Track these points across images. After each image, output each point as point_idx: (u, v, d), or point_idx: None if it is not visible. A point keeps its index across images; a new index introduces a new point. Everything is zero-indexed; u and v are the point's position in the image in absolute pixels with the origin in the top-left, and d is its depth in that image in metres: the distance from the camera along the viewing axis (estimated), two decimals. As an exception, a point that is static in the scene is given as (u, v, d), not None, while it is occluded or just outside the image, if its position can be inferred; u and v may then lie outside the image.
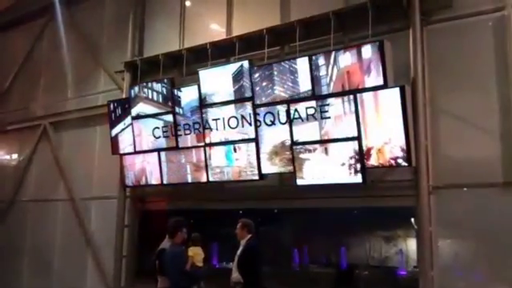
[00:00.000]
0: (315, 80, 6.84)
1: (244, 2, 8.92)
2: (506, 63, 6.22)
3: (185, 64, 8.71)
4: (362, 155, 6.51)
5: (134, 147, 9.05)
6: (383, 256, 8.86)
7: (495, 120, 6.27)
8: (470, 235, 6.34)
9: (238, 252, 6.73)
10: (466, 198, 6.43)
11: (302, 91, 6.97)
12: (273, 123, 7.31)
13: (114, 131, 9.35)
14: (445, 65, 6.71)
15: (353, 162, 6.56)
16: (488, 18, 6.45)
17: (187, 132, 8.30)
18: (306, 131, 6.97)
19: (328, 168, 6.78)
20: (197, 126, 8.16)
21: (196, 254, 7.59)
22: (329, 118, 6.76)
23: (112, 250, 9.59)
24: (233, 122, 7.73)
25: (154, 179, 8.81)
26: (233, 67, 7.72)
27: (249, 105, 7.52)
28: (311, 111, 6.89)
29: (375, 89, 6.39)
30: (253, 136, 7.51)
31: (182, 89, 8.37)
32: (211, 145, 8.02)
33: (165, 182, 8.70)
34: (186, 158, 8.34)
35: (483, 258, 6.20)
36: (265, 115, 7.38)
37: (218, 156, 7.93)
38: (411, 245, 8.26)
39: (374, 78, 6.37)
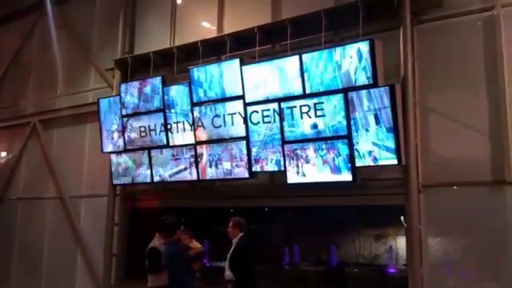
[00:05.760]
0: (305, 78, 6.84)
1: (235, -1, 8.91)
2: (495, 62, 6.26)
3: (176, 62, 8.68)
4: (352, 154, 6.52)
5: (124, 145, 9.01)
6: (373, 254, 8.89)
7: (485, 119, 6.31)
8: (459, 233, 6.38)
9: (230, 250, 6.74)
10: (456, 197, 6.45)
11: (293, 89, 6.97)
12: (263, 121, 7.31)
13: (104, 129, 9.30)
14: (435, 64, 6.74)
15: (343, 160, 6.57)
16: (478, 17, 6.49)
17: (178, 130, 8.26)
18: (295, 129, 6.97)
19: (319, 166, 6.80)
20: (187, 125, 8.14)
21: (196, 247, 7.58)
22: (319, 116, 6.76)
23: (102, 248, 9.55)
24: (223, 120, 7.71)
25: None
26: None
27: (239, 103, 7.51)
28: (302, 109, 6.88)
29: (365, 87, 6.40)
30: (243, 134, 7.50)
31: (173, 87, 8.32)
32: (202, 143, 7.99)
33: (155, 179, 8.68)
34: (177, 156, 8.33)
35: (472, 255, 6.24)
36: (251, 114, 7.38)
37: (209, 154, 7.91)
38: (401, 243, 8.29)
39: (364, 77, 6.38)
